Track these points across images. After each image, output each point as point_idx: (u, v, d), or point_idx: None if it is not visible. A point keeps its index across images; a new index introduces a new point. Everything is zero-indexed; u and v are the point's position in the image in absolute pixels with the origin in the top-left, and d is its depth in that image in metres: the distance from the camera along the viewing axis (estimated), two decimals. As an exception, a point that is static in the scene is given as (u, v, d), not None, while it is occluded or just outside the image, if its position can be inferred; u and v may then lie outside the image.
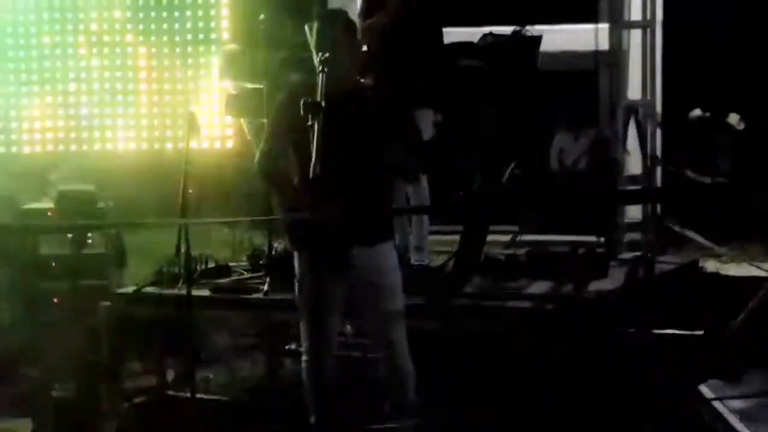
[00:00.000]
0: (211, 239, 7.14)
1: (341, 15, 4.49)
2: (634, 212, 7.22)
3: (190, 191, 5.63)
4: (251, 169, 4.62)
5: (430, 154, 4.41)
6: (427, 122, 5.79)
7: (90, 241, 6.51)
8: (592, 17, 8.03)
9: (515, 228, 7.12)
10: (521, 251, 6.33)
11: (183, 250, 5.42)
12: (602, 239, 6.86)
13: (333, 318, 4.38)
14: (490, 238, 6.26)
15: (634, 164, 7.35)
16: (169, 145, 8.02)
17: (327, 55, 4.25)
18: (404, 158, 4.34)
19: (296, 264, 4.32)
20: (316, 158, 3.98)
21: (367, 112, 4.26)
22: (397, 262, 4.49)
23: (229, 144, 7.99)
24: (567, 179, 7.56)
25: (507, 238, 7.02)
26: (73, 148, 8.08)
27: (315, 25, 4.32)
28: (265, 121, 5.77)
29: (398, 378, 4.36)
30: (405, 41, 5.80)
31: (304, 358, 4.22)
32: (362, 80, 4.40)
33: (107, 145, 8.11)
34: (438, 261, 5.94)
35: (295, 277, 4.25)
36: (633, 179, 7.21)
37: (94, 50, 8.01)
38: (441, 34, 5.89)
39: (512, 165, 7.12)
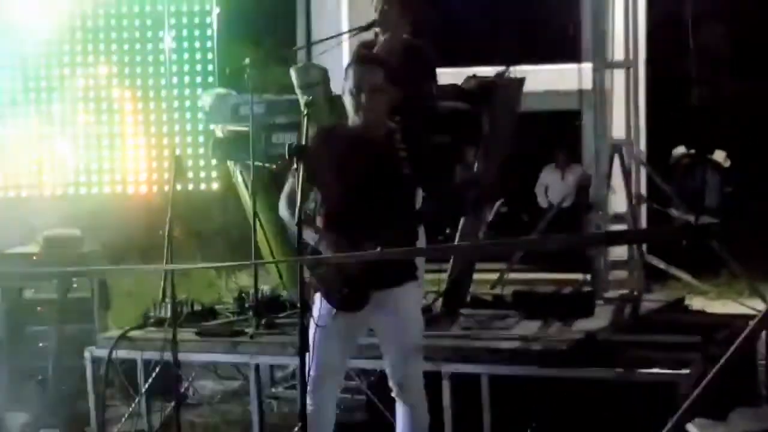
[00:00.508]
0: (197, 282, 7.17)
1: (379, 61, 4.46)
2: (619, 250, 7.30)
3: (176, 234, 5.66)
4: (237, 212, 4.65)
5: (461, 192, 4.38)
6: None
7: (75, 285, 6.52)
8: (575, 57, 8.16)
9: (502, 266, 7.19)
10: (508, 290, 6.37)
11: (169, 293, 5.45)
12: (588, 277, 6.92)
13: (344, 362, 4.35)
14: (476, 276, 6.31)
15: (618, 203, 7.43)
16: (155, 188, 8.06)
17: (310, 97, 4.31)
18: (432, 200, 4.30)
19: (315, 306, 4.29)
20: (301, 201, 4.03)
21: (396, 154, 4.21)
22: (421, 300, 4.49)
23: (215, 186, 8.04)
24: (553, 216, 7.63)
25: (494, 276, 7.07)
26: (59, 192, 8.10)
27: (352, 69, 4.28)
28: (251, 163, 5.85)
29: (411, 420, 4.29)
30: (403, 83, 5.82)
31: (309, 402, 4.18)
32: (389, 125, 4.37)
33: (93, 189, 8.14)
34: (425, 300, 5.98)
35: (312, 318, 4.20)
36: (618, 218, 7.28)
37: (80, 93, 8.06)
38: (435, 77, 5.91)
39: (499, 202, 7.17)
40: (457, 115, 5.93)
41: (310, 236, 4.22)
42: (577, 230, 7.60)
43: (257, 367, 5.57)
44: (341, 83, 4.41)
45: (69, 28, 7.97)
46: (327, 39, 6.38)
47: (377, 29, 5.96)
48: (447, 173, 4.66)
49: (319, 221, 4.33)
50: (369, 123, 4.27)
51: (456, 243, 5.95)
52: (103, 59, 8.05)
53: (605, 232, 6.81)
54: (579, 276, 7.01)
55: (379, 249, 4.05)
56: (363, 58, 4.51)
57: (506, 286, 6.69)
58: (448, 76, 6.13)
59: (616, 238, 5.95)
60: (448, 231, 6.62)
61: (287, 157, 4.13)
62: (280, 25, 8.20)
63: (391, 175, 4.24)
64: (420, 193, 4.46)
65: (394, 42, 5.84)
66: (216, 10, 7.96)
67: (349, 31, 6.62)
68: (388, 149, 4.26)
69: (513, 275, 7.16)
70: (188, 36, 8.05)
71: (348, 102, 4.30)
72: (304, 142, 4.21)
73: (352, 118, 4.30)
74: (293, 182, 4.23)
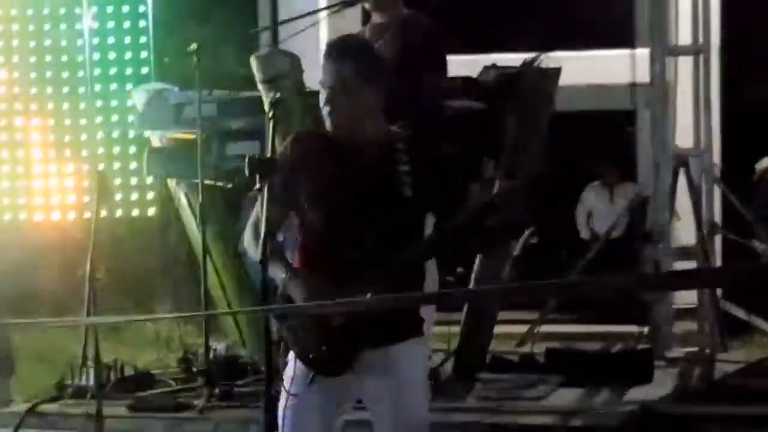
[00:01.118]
0: (128, 338, 7.22)
1: (356, 47, 4.53)
2: (686, 296, 7.38)
3: (100, 275, 5.74)
4: (180, 244, 4.70)
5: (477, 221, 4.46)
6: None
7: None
8: (627, 41, 8.25)
9: (532, 316, 7.26)
10: (539, 348, 6.45)
11: (91, 354, 5.52)
12: (645, 330, 7.01)
13: None
14: (498, 329, 6.37)
15: (685, 232, 7.52)
16: (71, 215, 8.11)
17: (277, 94, 4.38)
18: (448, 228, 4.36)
19: (288, 369, 4.35)
20: (265, 234, 4.11)
21: (395, 168, 4.28)
22: (427, 362, 4.55)
23: (151, 211, 8.09)
24: (599, 250, 7.70)
25: (522, 329, 7.14)
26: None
27: (324, 60, 4.38)
28: (199, 181, 5.95)
29: None
30: (398, 72, 5.94)
31: None
32: (382, 129, 4.45)
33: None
34: (431, 361, 6.05)
35: (282, 386, 4.27)
36: (684, 252, 7.36)
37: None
38: (444, 61, 6.01)
39: (527, 232, 7.25)
40: (471, 118, 6.03)
41: (279, 277, 4.31)
42: (631, 269, 7.67)
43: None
44: (318, 75, 4.50)
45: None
46: (299, 17, 6.46)
47: (366, 5, 6.07)
48: (458, 194, 4.74)
49: (292, 257, 4.40)
50: (351, 127, 4.35)
51: (472, 286, 6.03)
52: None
53: (667, 272, 6.88)
54: (633, 329, 7.08)
55: (370, 294, 4.13)
56: (334, 45, 4.59)
57: (538, 342, 6.75)
58: (460, 65, 6.22)
59: (682, 280, 6.01)
60: (460, 270, 6.70)
61: (247, 173, 4.20)
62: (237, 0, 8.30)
63: (388, 197, 4.31)
64: (429, 221, 4.55)
65: (389, 21, 5.96)
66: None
67: (328, 7, 6.72)
68: (383, 163, 4.33)
69: (546, 328, 7.23)
70: (115, 14, 8.12)
71: (323, 103, 4.38)
72: (269, 154, 4.29)
73: (329, 123, 4.39)
74: (264, 207, 4.29)
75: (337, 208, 4.28)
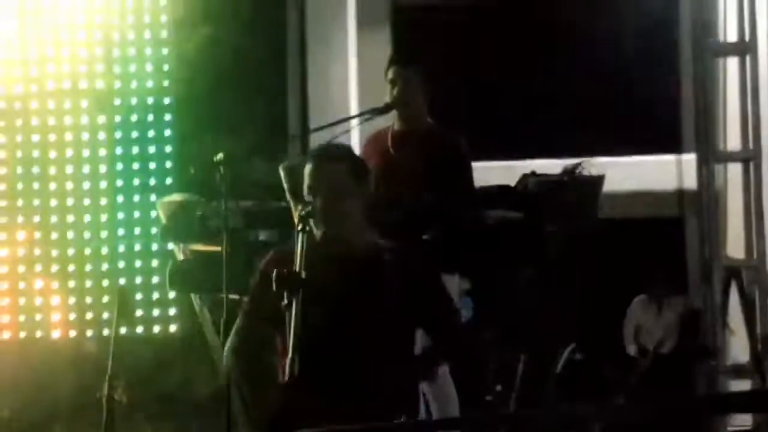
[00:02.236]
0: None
1: (346, 151, 4.61)
2: (743, 418, 7.22)
3: (118, 398, 5.66)
4: (205, 364, 4.67)
5: (471, 336, 4.45)
6: (452, 293, 5.89)
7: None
8: (673, 146, 8.21)
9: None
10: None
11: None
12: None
13: None
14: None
15: (738, 348, 7.39)
16: (89, 332, 8.06)
17: (312, 207, 4.37)
18: (439, 345, 4.34)
19: None
20: (293, 352, 4.05)
21: (383, 281, 4.30)
22: None
23: (173, 328, 8.04)
24: (648, 367, 7.59)
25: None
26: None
27: (308, 166, 4.43)
28: (225, 296, 5.88)
29: None
30: (423, 183, 5.96)
31: None
32: (376, 237, 4.45)
33: (3, 333, 8.15)
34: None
35: None
36: (738, 370, 7.22)
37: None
38: (471, 175, 6.03)
39: (569, 348, 7.16)
40: (507, 228, 5.98)
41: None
42: (682, 387, 7.53)
43: None
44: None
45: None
46: (330, 125, 6.48)
47: (397, 112, 6.12)
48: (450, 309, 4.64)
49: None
50: (338, 235, 4.32)
51: (513, 407, 5.92)
52: (15, 148, 8.14)
53: (721, 394, 6.75)
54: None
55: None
56: (324, 149, 4.63)
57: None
58: (497, 172, 6.20)
59: (736, 402, 5.89)
60: (498, 389, 6.60)
61: (275, 288, 4.18)
62: (265, 107, 8.32)
63: (375, 311, 4.27)
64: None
65: (413, 130, 5.98)
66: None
67: (360, 114, 6.74)
68: (370, 273, 4.30)
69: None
70: (139, 123, 8.16)
71: (310, 209, 4.36)
72: (297, 268, 4.26)
73: (317, 228, 4.37)
74: (246, 322, 4.26)
75: (321, 321, 4.22)
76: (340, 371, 4.23)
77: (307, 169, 4.46)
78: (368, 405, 4.15)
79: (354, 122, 6.89)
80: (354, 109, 8.39)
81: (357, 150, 6.62)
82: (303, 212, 4.44)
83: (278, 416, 4.29)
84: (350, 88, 8.80)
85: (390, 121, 6.36)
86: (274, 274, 4.16)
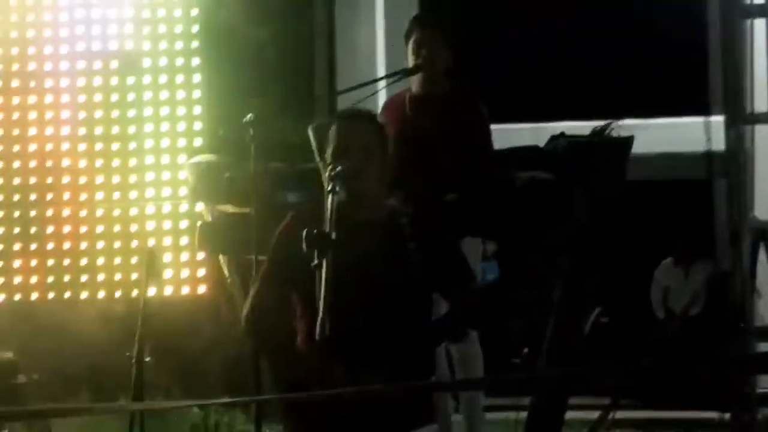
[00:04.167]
0: (174, 424, 7.13)
1: (370, 115, 4.61)
2: (770, 380, 7.21)
3: (147, 358, 5.66)
4: (233, 325, 4.66)
5: (485, 302, 4.43)
6: (473, 256, 5.87)
7: (6, 431, 6.51)
8: (701, 108, 8.16)
9: (605, 401, 7.10)
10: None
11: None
12: (727, 417, 6.81)
13: None
14: (568, 416, 6.22)
15: (767, 310, 7.35)
16: (118, 293, 8.07)
17: (342, 168, 4.34)
18: (454, 310, 4.36)
19: None
20: (324, 312, 4.03)
21: (401, 246, 4.29)
22: None
23: (202, 289, 8.05)
24: (676, 330, 7.57)
25: (593, 415, 6.98)
26: (-16, 299, 8.15)
27: (334, 128, 4.41)
28: (254, 258, 5.87)
29: None
30: (443, 147, 5.94)
31: None
32: (393, 201, 4.44)
33: (32, 294, 8.18)
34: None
35: None
36: (766, 332, 7.19)
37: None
38: (489, 136, 6.03)
39: (596, 312, 7.14)
40: (536, 189, 5.94)
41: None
42: (710, 349, 7.51)
43: None
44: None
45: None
46: (358, 86, 6.44)
47: (422, 74, 6.09)
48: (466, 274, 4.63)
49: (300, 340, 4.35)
50: (358, 199, 4.30)
51: (537, 370, 5.90)
52: (44, 107, 8.13)
53: (750, 355, 6.72)
54: (713, 415, 6.93)
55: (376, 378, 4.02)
56: (349, 111, 4.62)
57: (611, 429, 6.59)
58: (526, 134, 6.17)
59: (765, 363, 5.86)
60: (526, 351, 6.58)
61: (305, 248, 4.15)
62: (292, 69, 8.28)
63: (393, 274, 4.24)
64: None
65: (433, 93, 5.96)
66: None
67: (388, 75, 6.70)
68: (388, 237, 4.29)
69: (620, 414, 7.05)
70: (168, 85, 8.14)
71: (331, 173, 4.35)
72: (327, 229, 4.23)
73: (340, 192, 4.36)
74: (264, 287, 4.25)
75: (340, 286, 4.20)
76: (359, 333, 4.21)
77: (332, 131, 4.42)
78: (386, 368, 4.13)
79: (381, 83, 6.84)
80: (381, 71, 8.37)
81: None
82: (334, 172, 4.40)
83: (300, 377, 4.27)
84: (377, 49, 8.78)
85: (407, 85, 6.33)
86: (304, 234, 4.12)
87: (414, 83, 6.22)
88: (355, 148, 4.37)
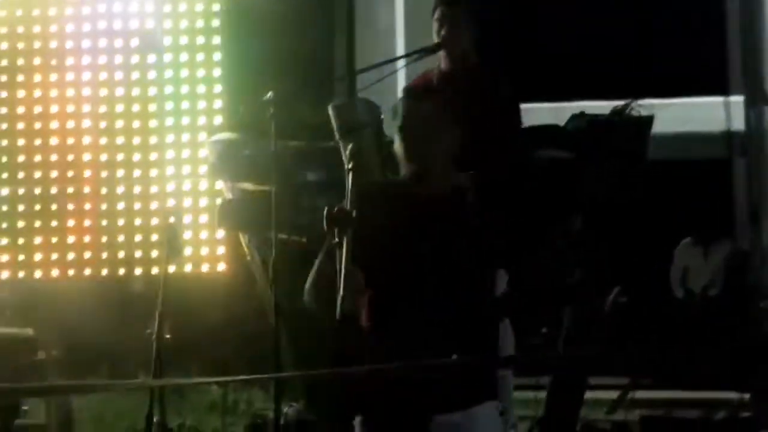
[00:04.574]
0: (193, 401, 7.16)
1: (437, 91, 4.56)
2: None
3: (168, 335, 5.68)
4: (251, 302, 4.66)
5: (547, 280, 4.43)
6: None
7: (26, 408, 6.54)
8: (721, 88, 8.14)
9: (624, 380, 7.09)
10: (633, 415, 6.29)
11: (156, 418, 5.43)
12: (747, 397, 6.80)
13: None
14: (588, 395, 6.23)
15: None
16: (138, 270, 8.09)
17: (356, 146, 4.33)
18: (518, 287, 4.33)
19: None
20: (345, 289, 4.03)
21: (466, 221, 4.25)
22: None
23: (221, 267, 8.06)
24: (695, 310, 7.56)
25: (613, 395, 6.98)
26: (4, 275, 8.17)
27: (400, 105, 4.37)
28: (273, 235, 5.87)
29: None
30: (471, 122, 5.92)
31: None
32: (460, 177, 4.40)
33: (52, 271, 8.20)
34: (517, 430, 5.91)
35: None
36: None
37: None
38: (518, 114, 6.00)
39: (616, 291, 7.15)
40: (556, 168, 5.94)
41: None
42: (729, 329, 7.48)
43: None
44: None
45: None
46: (377, 65, 6.43)
47: (444, 51, 6.06)
48: (541, 248, 4.65)
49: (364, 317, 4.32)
50: (426, 174, 4.29)
51: (561, 348, 5.91)
52: (65, 85, 8.14)
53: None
54: (733, 396, 6.89)
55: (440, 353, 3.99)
56: (414, 89, 4.59)
57: (631, 409, 6.59)
58: (546, 113, 6.15)
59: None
60: (544, 331, 6.57)
61: (325, 226, 4.15)
62: (312, 48, 8.27)
63: (460, 250, 4.23)
64: (502, 276, 4.45)
65: (459, 69, 5.91)
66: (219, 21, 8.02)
67: (407, 55, 6.69)
68: (455, 214, 4.27)
69: (640, 394, 7.06)
70: (189, 63, 8.14)
71: (397, 149, 4.34)
72: (348, 206, 4.23)
73: (404, 167, 4.35)
74: (324, 261, 4.25)
75: (407, 261, 4.21)
76: (422, 307, 4.19)
77: (398, 108, 4.38)
78: (453, 343, 4.11)
79: (401, 62, 6.83)
80: (400, 50, 8.36)
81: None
82: (352, 150, 4.38)
83: (356, 351, 4.26)
84: (397, 29, 8.76)
85: (430, 63, 6.30)
86: (325, 211, 4.12)
87: (441, 60, 6.19)
88: (422, 124, 4.33)
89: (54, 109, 8.12)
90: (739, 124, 7.67)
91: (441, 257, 4.23)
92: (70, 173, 8.15)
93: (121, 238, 8.11)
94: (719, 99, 8.15)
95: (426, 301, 4.20)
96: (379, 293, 4.27)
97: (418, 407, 4.17)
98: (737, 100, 7.76)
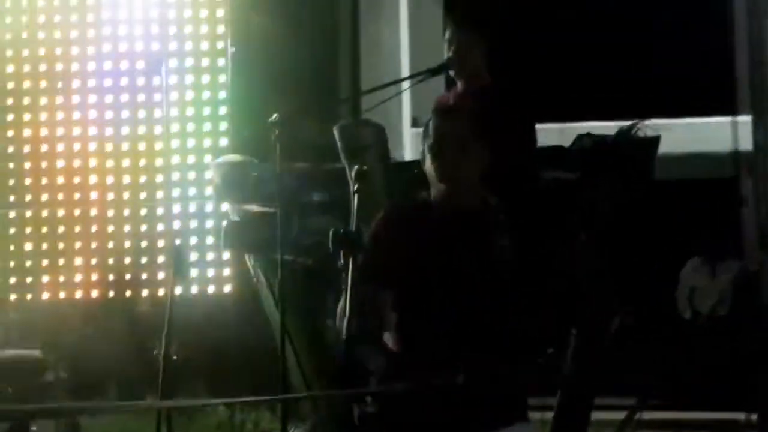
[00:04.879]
0: (200, 423, 7.15)
1: (466, 108, 4.55)
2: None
3: (174, 356, 5.68)
4: (257, 323, 4.65)
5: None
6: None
7: (34, 429, 6.53)
8: (728, 108, 8.13)
9: (631, 401, 7.07)
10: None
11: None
12: (755, 417, 6.77)
13: None
14: (594, 416, 6.20)
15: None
16: (144, 292, 8.09)
17: (362, 166, 4.34)
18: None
19: None
20: (351, 312, 4.02)
21: (496, 239, 4.23)
22: None
23: (227, 288, 8.06)
24: (703, 331, 7.53)
25: (620, 416, 6.96)
26: (12, 297, 8.18)
27: (431, 121, 4.37)
28: (279, 257, 5.87)
29: None
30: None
31: None
32: (491, 196, 4.39)
33: (59, 293, 8.20)
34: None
35: None
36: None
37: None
38: (533, 132, 5.97)
39: (622, 312, 7.10)
40: (560, 189, 5.93)
41: (372, 359, 4.22)
42: (737, 349, 7.46)
43: None
44: (401, 146, 4.46)
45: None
46: (382, 87, 6.43)
47: (452, 72, 6.05)
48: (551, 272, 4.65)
49: (388, 337, 4.31)
50: (457, 193, 4.28)
51: (567, 369, 5.89)
52: (71, 108, 8.15)
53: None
54: (740, 416, 6.89)
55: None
56: (444, 107, 4.59)
57: (638, 430, 6.56)
58: (551, 134, 6.15)
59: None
60: (550, 351, 6.54)
61: (331, 248, 4.15)
62: (318, 69, 8.29)
63: (492, 268, 4.23)
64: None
65: (473, 89, 5.90)
66: (231, 50, 8.08)
67: (413, 76, 6.69)
68: (488, 232, 4.26)
69: (647, 415, 7.03)
70: (194, 85, 8.16)
71: (428, 166, 4.33)
72: (354, 228, 4.23)
73: (435, 186, 4.34)
74: (364, 287, 4.22)
75: (436, 283, 4.21)
76: (456, 332, 4.17)
77: (429, 124, 4.37)
78: (485, 363, 4.11)
79: (406, 83, 6.83)
80: (405, 71, 8.36)
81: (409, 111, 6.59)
82: (357, 172, 4.38)
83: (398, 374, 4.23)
84: (401, 49, 8.77)
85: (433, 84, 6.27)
86: (330, 234, 4.12)
87: (458, 82, 6.16)
88: (452, 140, 4.32)
89: (60, 131, 8.15)
90: (746, 144, 7.66)
91: (476, 276, 4.22)
92: (76, 195, 8.18)
93: (127, 260, 8.13)
94: (726, 119, 8.14)
95: (461, 321, 4.19)
96: (408, 315, 4.26)
97: (451, 429, 4.17)
98: (745, 120, 7.75)
